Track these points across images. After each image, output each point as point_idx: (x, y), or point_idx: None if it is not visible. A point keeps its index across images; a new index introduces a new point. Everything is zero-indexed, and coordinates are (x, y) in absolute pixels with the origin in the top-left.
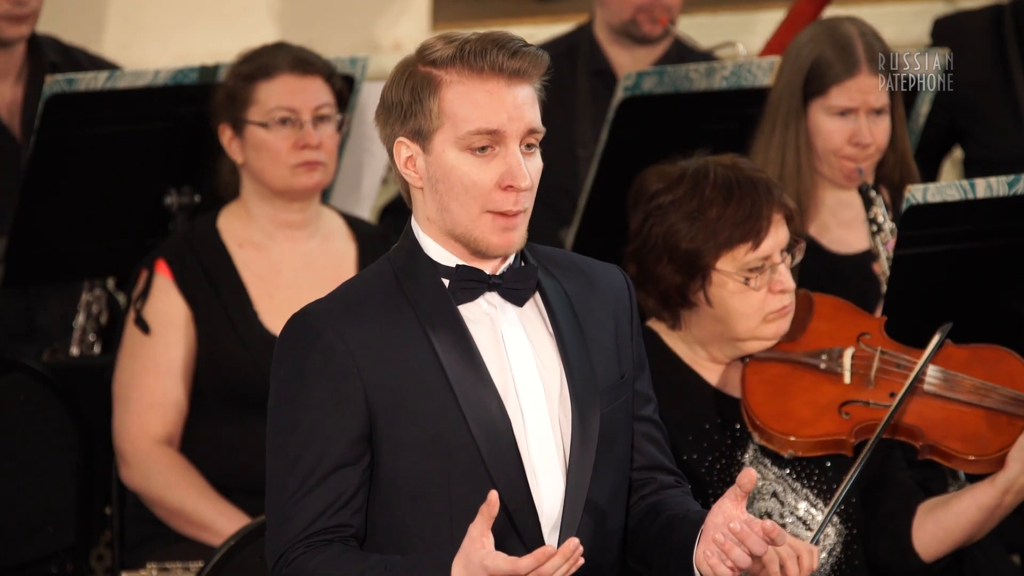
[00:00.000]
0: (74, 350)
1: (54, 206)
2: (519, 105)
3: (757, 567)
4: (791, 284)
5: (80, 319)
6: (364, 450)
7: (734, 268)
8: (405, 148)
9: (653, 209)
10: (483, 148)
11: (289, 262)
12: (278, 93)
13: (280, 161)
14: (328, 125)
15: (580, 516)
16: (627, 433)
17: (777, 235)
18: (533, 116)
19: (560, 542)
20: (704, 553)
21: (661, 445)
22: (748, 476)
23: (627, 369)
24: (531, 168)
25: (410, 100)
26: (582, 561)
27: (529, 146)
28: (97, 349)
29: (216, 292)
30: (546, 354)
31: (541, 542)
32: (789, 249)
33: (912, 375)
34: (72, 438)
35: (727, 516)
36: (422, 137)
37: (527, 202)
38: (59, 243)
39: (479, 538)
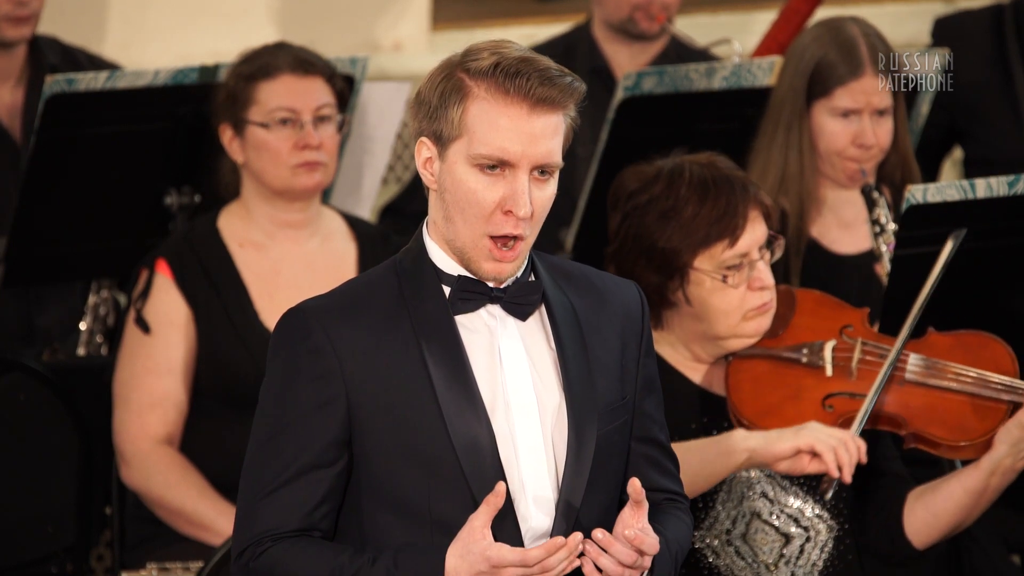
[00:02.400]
0: (81, 351)
1: (54, 206)
2: (536, 136)
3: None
4: (770, 281)
5: (88, 321)
6: (340, 454)
7: (712, 266)
8: (426, 149)
9: (630, 209)
10: (492, 167)
11: (289, 262)
12: (279, 93)
13: (281, 161)
14: (329, 125)
15: (569, 534)
16: (622, 455)
17: (754, 232)
18: (549, 149)
19: None
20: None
21: (664, 468)
22: (633, 486)
23: (629, 391)
24: (538, 197)
25: (437, 103)
26: (577, 563)
27: (543, 173)
28: (104, 351)
29: (216, 292)
30: (545, 370)
31: None
32: (768, 245)
33: (912, 314)
34: (72, 438)
35: (623, 524)
36: (441, 142)
37: (527, 229)
38: (59, 243)
39: (480, 529)
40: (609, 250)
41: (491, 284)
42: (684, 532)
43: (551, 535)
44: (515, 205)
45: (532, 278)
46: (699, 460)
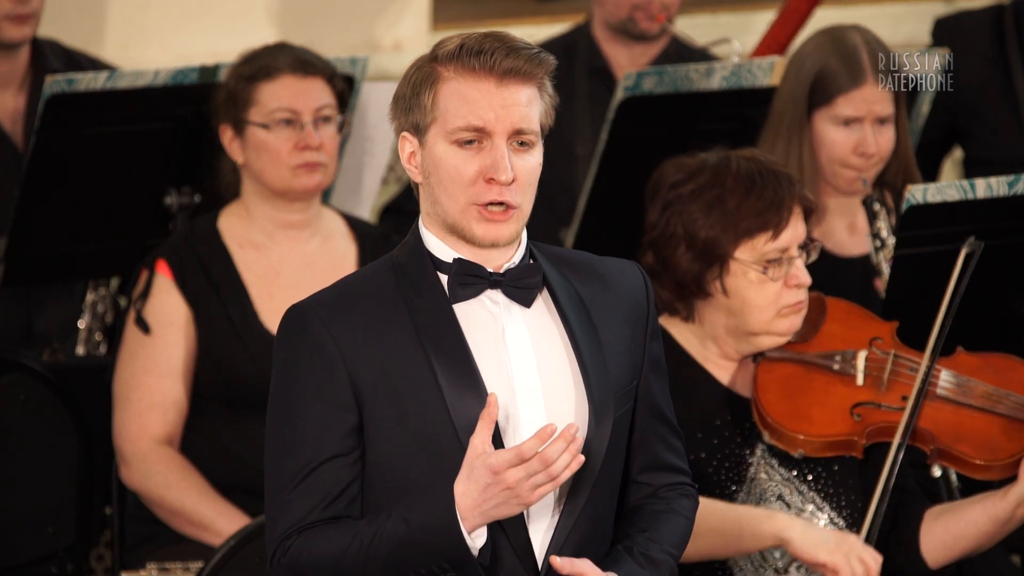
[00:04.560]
0: (80, 349)
1: (54, 206)
2: (509, 105)
3: None
4: (807, 279)
5: (86, 319)
6: (355, 442)
7: (752, 258)
8: (408, 143)
9: (673, 199)
10: (469, 142)
11: (289, 262)
12: (279, 94)
13: (281, 162)
14: (329, 126)
15: (577, 517)
16: (626, 440)
17: (796, 228)
18: (522, 116)
19: (553, 544)
20: None
21: (670, 444)
22: (553, 563)
23: (636, 375)
24: (519, 164)
25: (411, 94)
26: (582, 460)
27: (522, 143)
28: (103, 349)
29: (216, 292)
30: (556, 355)
31: (528, 541)
32: (805, 247)
33: (938, 321)
34: (72, 438)
35: None
36: (419, 132)
37: (514, 197)
38: (59, 243)
39: (480, 445)
40: (646, 239)
41: (490, 269)
42: (681, 528)
43: (559, 520)
44: (495, 171)
45: (531, 263)
46: (750, 531)
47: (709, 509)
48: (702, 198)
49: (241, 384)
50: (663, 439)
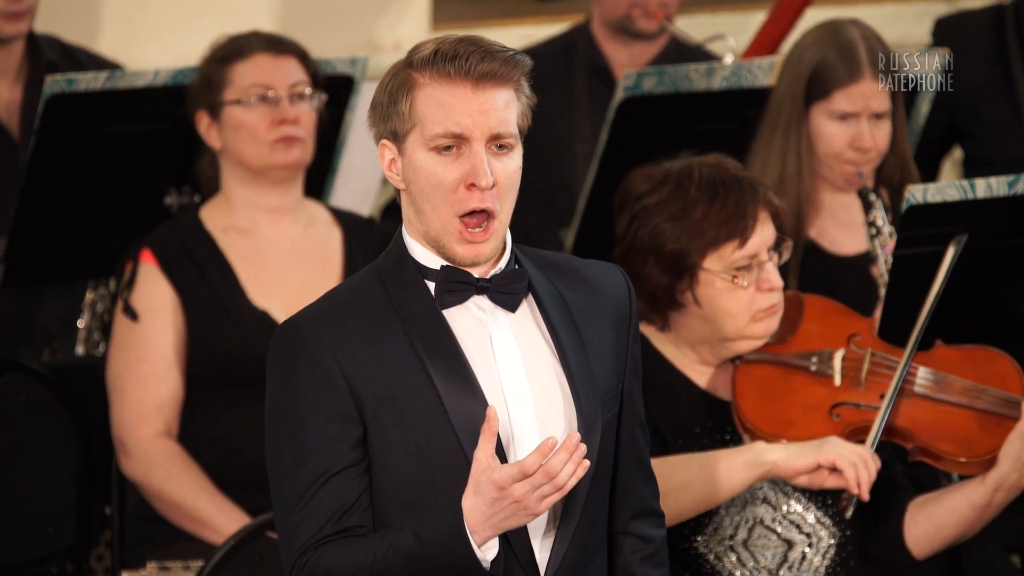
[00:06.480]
0: (79, 348)
1: (54, 206)
2: (485, 109)
3: None
4: (779, 282)
5: (85, 318)
6: (363, 453)
7: (721, 267)
8: (387, 151)
9: (639, 211)
10: (448, 148)
11: (275, 245)
12: (253, 71)
13: (259, 138)
14: (305, 103)
15: (576, 525)
16: (613, 444)
17: (763, 233)
18: (500, 119)
19: (554, 553)
20: None
21: (645, 471)
22: None
23: (620, 379)
24: (499, 168)
25: (388, 102)
26: (587, 465)
27: (501, 147)
28: (102, 349)
29: (202, 274)
30: (542, 360)
31: (530, 550)
32: (776, 247)
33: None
34: (72, 438)
35: None
36: (398, 139)
37: (494, 203)
38: (59, 243)
39: (485, 460)
40: (616, 252)
41: (476, 275)
42: None
43: (558, 527)
44: (476, 176)
45: (517, 268)
46: (725, 468)
47: (673, 465)
48: (667, 209)
49: (234, 363)
50: (640, 462)
